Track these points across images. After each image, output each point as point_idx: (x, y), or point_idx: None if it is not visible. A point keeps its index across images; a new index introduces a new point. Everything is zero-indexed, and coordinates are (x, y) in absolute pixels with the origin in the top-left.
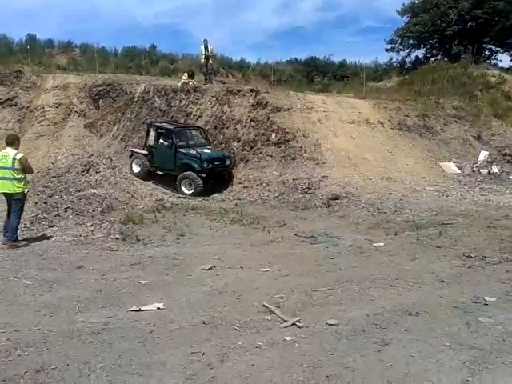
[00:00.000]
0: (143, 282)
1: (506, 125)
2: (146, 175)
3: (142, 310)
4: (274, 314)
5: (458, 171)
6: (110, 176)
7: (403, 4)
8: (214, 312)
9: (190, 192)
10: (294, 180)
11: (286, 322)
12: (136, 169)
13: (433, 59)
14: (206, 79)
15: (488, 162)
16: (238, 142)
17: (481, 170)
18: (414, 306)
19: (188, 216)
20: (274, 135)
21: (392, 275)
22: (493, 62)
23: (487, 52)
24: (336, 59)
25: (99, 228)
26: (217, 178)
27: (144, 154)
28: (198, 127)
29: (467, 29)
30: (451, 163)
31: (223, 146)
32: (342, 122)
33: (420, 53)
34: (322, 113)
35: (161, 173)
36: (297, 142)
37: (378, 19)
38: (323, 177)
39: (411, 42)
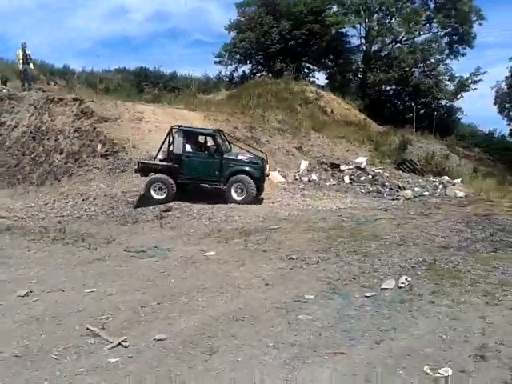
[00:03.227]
0: None
1: (323, 137)
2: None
3: None
4: (99, 336)
5: (283, 179)
6: None
7: (230, 21)
8: (28, 342)
9: (241, 198)
10: (124, 193)
11: (111, 343)
12: (157, 193)
13: (258, 75)
14: (22, 86)
15: (308, 170)
16: (60, 154)
17: (302, 178)
18: (240, 311)
19: (1, 238)
20: (100, 146)
21: (221, 283)
22: (311, 79)
23: (306, 70)
24: (167, 70)
25: None
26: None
27: (168, 166)
28: (220, 131)
29: (288, 47)
30: (277, 172)
31: (43, 158)
32: None
33: (247, 68)
34: (153, 123)
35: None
36: (126, 153)
37: (207, 33)
38: None
39: (238, 57)
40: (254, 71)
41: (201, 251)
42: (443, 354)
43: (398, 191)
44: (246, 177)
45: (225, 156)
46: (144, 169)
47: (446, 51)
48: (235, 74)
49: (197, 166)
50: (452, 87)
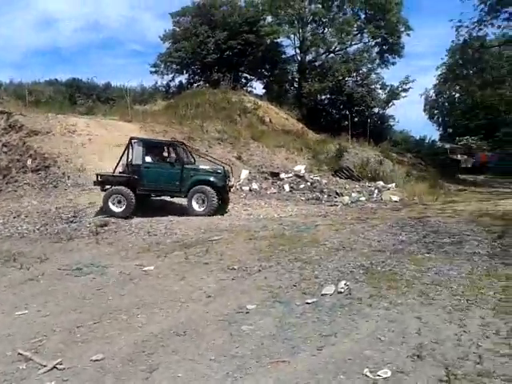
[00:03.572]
0: None
1: (262, 146)
2: (135, 207)
3: None
4: (31, 360)
5: None
6: None
7: (165, 30)
8: None
9: (202, 209)
10: (58, 209)
11: (44, 366)
12: (116, 206)
13: (196, 84)
14: None
15: (249, 179)
16: None
17: (243, 187)
18: (182, 325)
19: None
20: (30, 161)
21: (161, 298)
22: (249, 89)
23: (243, 80)
24: (101, 81)
25: None
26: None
27: (128, 178)
28: (182, 142)
29: (225, 57)
30: None
31: None
32: (107, 145)
33: (184, 78)
34: (86, 136)
35: (153, 196)
36: (58, 167)
37: (142, 43)
38: (90, 203)
39: (174, 67)
40: (191, 81)
41: (139, 266)
42: (382, 356)
43: (336, 197)
44: (207, 187)
45: (186, 166)
46: (103, 181)
47: (377, 61)
48: (172, 84)
49: (157, 177)
50: (384, 95)
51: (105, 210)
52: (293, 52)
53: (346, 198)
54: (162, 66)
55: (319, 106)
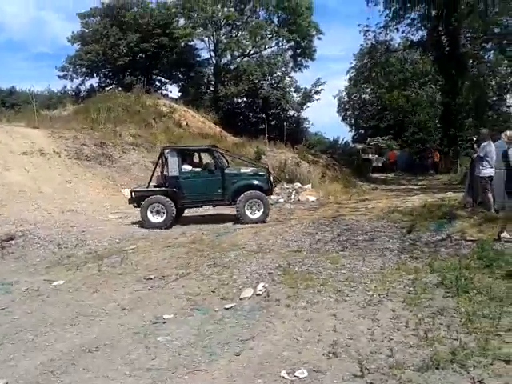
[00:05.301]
0: None
1: None
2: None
3: None
4: None
5: None
6: None
7: (73, 32)
8: None
9: (257, 216)
10: None
11: None
12: (156, 217)
13: (108, 88)
14: None
15: None
16: None
17: None
18: (94, 341)
19: None
20: None
21: (72, 313)
22: (164, 92)
23: (158, 83)
24: (4, 86)
25: None
26: None
27: (166, 191)
28: (215, 146)
29: (138, 60)
30: None
31: None
32: (12, 153)
33: (94, 81)
34: None
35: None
36: None
37: (50, 46)
38: None
39: (84, 70)
40: (103, 84)
41: (48, 281)
42: (299, 356)
43: None
44: (258, 192)
45: (226, 171)
46: (138, 198)
47: (291, 64)
48: (82, 88)
49: (198, 187)
50: (298, 98)
51: (144, 222)
52: (208, 55)
53: None
54: (71, 69)
55: (236, 109)
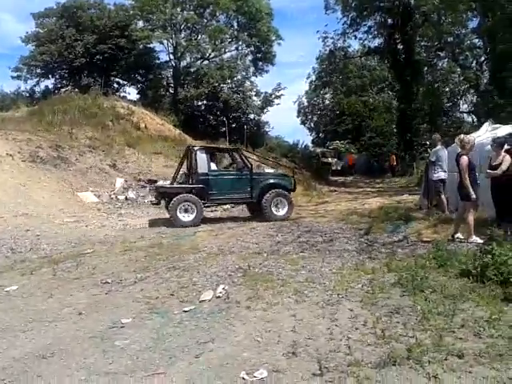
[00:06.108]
0: None
1: (138, 152)
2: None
3: None
4: None
5: (97, 200)
6: None
7: (27, 32)
8: None
9: (283, 214)
10: None
11: None
12: (184, 215)
13: (64, 90)
14: None
15: (125, 188)
16: None
17: (118, 197)
18: (49, 347)
19: None
20: None
21: (25, 319)
22: (122, 94)
23: (116, 85)
24: None
25: None
26: None
27: (193, 188)
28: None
29: (95, 62)
30: (89, 192)
31: None
32: None
33: (50, 83)
34: None
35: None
36: None
37: (3, 46)
38: None
39: (39, 71)
40: (59, 86)
41: (1, 287)
42: (259, 357)
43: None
44: (284, 191)
45: (254, 171)
46: (163, 194)
47: (251, 68)
48: (37, 89)
49: (226, 185)
50: (258, 102)
51: (174, 221)
52: (167, 58)
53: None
54: (25, 69)
55: (196, 112)
